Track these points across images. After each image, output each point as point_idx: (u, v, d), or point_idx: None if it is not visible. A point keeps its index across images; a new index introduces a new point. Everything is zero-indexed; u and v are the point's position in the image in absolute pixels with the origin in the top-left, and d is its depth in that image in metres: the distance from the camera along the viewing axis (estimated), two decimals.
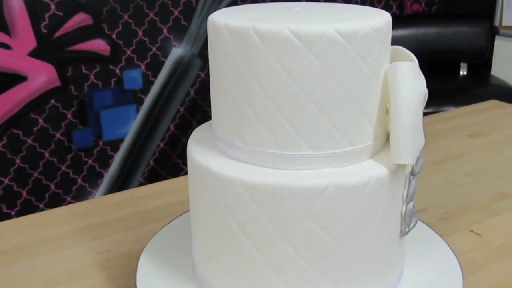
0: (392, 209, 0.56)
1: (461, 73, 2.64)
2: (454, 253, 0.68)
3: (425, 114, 1.84)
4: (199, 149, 0.58)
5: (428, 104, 2.26)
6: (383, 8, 2.59)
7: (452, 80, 2.59)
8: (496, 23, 2.59)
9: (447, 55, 2.55)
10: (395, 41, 2.47)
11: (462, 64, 2.63)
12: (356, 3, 2.52)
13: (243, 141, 0.55)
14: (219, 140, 0.58)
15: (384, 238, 0.56)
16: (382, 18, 0.54)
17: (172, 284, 0.63)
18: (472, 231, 0.80)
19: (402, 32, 2.49)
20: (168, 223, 0.76)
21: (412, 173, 0.57)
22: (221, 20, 0.54)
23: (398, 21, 2.56)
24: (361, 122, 0.54)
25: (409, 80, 0.53)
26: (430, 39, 2.49)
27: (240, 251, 0.55)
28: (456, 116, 1.33)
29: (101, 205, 0.90)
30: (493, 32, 2.57)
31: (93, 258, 0.75)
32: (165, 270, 0.65)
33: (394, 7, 2.64)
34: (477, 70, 2.64)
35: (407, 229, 0.59)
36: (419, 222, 0.76)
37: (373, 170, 0.54)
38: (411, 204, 0.59)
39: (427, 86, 0.57)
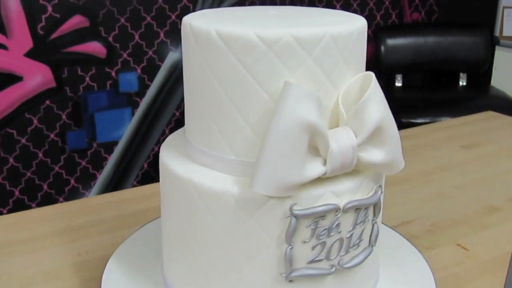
0: (258, 239, 0.51)
1: (460, 83, 2.62)
2: (431, 270, 0.66)
3: (421, 124, 1.81)
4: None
5: (425, 114, 2.25)
6: (383, 16, 2.59)
7: (451, 90, 2.58)
8: (497, 33, 2.58)
9: (446, 65, 2.54)
10: (394, 50, 2.46)
11: (461, 74, 2.62)
12: (355, 11, 2.51)
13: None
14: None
15: (250, 267, 0.52)
16: (291, 29, 0.48)
17: None
18: (458, 245, 0.79)
19: (401, 41, 2.48)
20: (142, 226, 0.75)
21: (292, 212, 0.49)
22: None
23: (397, 30, 2.56)
24: (248, 135, 0.51)
25: (286, 102, 0.46)
26: (429, 48, 2.48)
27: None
28: (451, 127, 1.32)
29: (85, 206, 0.89)
30: (493, 42, 2.56)
31: (71, 259, 0.74)
32: (133, 277, 0.64)
33: (393, 16, 2.63)
34: (477, 81, 2.63)
35: (283, 275, 0.51)
36: (398, 236, 0.75)
37: (235, 185, 0.50)
38: (297, 250, 0.51)
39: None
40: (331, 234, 0.51)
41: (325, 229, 0.51)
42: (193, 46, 0.52)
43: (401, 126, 2.20)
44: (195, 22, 0.52)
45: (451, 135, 1.25)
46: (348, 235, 0.52)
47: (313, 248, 0.51)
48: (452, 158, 1.12)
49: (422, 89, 2.71)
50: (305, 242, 0.51)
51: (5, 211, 2.03)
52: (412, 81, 2.76)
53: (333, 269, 0.53)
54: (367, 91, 0.48)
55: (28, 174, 2.05)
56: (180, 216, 0.55)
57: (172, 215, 0.57)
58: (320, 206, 0.49)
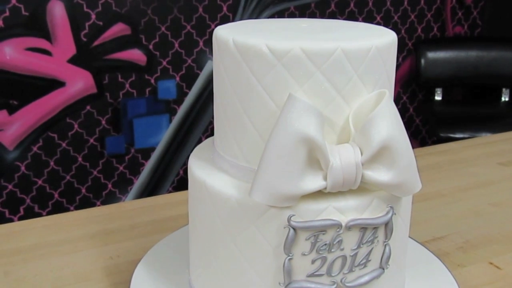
0: (259, 246, 0.52)
1: (503, 99, 2.57)
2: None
3: (459, 139, 1.77)
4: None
5: (464, 129, 2.20)
6: (424, 29, 2.56)
7: (492, 105, 2.52)
8: None
9: (488, 80, 2.49)
10: (434, 63, 2.43)
11: (504, 89, 2.56)
12: (395, 23, 2.49)
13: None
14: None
15: (251, 273, 0.53)
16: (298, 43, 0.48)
17: None
18: (491, 263, 0.77)
19: (442, 54, 2.45)
20: (173, 232, 0.77)
21: (289, 223, 0.49)
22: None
23: (438, 43, 2.52)
24: (257, 143, 0.52)
25: (287, 115, 0.47)
26: (471, 62, 2.43)
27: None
28: (489, 143, 1.29)
29: (119, 211, 0.91)
30: None
31: (103, 262, 0.75)
32: (160, 282, 0.65)
33: (435, 29, 2.60)
34: None
35: (281, 284, 0.52)
36: (427, 251, 0.73)
37: (242, 191, 0.51)
38: (296, 261, 0.51)
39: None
40: (332, 250, 0.50)
41: (325, 244, 0.50)
42: (217, 55, 0.54)
43: (439, 140, 2.16)
44: (220, 32, 0.54)
45: (488, 152, 1.22)
46: (352, 254, 0.51)
47: (313, 261, 0.51)
48: (489, 175, 1.09)
49: (462, 103, 2.65)
50: (304, 254, 0.50)
51: (44, 213, 2.08)
52: (453, 95, 2.71)
53: (335, 286, 0.52)
54: (377, 108, 0.48)
55: (68, 177, 2.10)
56: (199, 220, 0.57)
57: (194, 219, 0.58)
58: (319, 220, 0.49)
